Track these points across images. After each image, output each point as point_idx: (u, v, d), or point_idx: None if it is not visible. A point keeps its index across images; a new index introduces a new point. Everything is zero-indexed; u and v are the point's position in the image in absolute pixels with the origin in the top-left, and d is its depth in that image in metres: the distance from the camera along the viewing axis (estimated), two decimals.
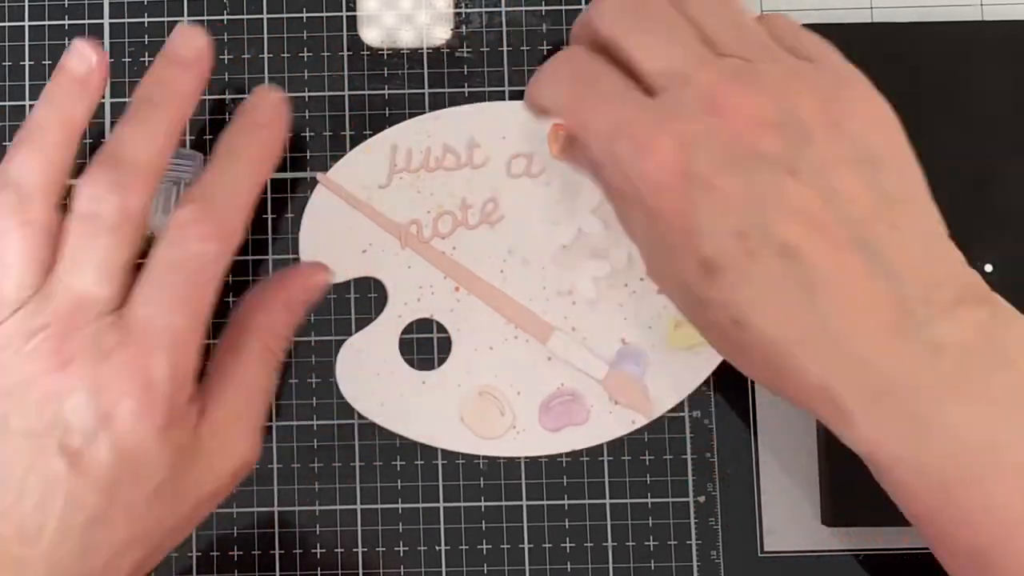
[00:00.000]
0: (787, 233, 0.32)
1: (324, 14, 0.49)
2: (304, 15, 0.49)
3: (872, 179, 0.33)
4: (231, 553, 0.46)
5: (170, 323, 0.35)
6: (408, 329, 0.47)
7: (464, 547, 0.46)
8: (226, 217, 0.37)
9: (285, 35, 0.49)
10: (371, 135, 0.48)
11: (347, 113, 0.49)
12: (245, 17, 0.49)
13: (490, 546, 0.46)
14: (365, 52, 0.49)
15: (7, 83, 0.49)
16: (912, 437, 0.32)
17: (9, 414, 0.34)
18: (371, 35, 0.49)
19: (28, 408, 0.34)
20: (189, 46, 0.39)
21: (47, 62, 0.49)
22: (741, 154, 0.33)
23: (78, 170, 0.49)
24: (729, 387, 0.47)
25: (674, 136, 0.33)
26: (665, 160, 0.33)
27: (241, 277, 0.47)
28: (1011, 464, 0.31)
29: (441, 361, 0.47)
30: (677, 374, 0.46)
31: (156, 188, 0.38)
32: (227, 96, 0.49)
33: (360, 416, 0.47)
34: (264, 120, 0.41)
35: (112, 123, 0.49)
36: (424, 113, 0.48)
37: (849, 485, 0.46)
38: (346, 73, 0.49)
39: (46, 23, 0.49)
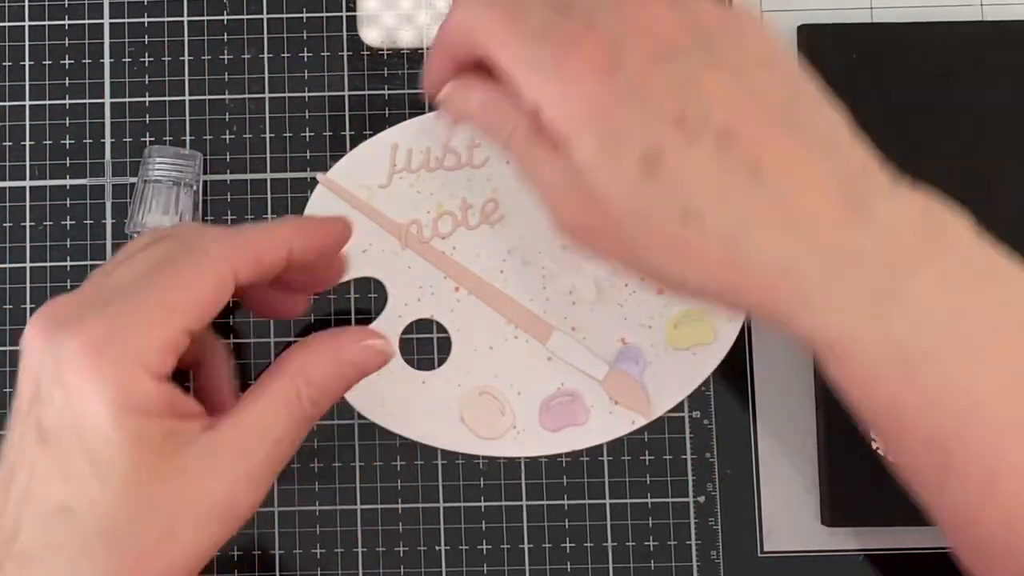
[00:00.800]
0: (723, 118, 0.32)
1: (324, 14, 0.49)
2: (304, 15, 0.49)
3: (782, 77, 0.34)
4: (231, 553, 0.46)
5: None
6: (408, 329, 0.47)
7: (464, 547, 0.46)
8: (256, 245, 0.37)
9: (285, 35, 0.49)
10: (371, 135, 0.48)
11: (347, 113, 0.49)
12: (245, 17, 0.49)
13: (490, 546, 0.46)
14: (365, 52, 0.49)
15: (7, 83, 0.49)
16: (874, 313, 0.32)
17: None
18: (371, 35, 0.49)
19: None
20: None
21: (47, 62, 0.49)
22: (663, 51, 0.33)
23: (78, 171, 0.49)
24: (729, 387, 0.47)
25: (598, 38, 0.33)
26: (592, 55, 0.33)
27: None
28: (972, 344, 0.31)
29: (441, 361, 0.47)
30: (677, 374, 0.46)
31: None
32: (227, 96, 0.49)
33: (360, 416, 0.47)
34: (331, 227, 0.41)
35: (112, 123, 0.49)
36: (424, 113, 0.48)
37: (849, 485, 0.46)
38: (346, 73, 0.49)
39: (46, 23, 0.49)
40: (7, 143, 0.49)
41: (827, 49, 0.48)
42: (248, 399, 0.36)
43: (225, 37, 0.49)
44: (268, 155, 0.48)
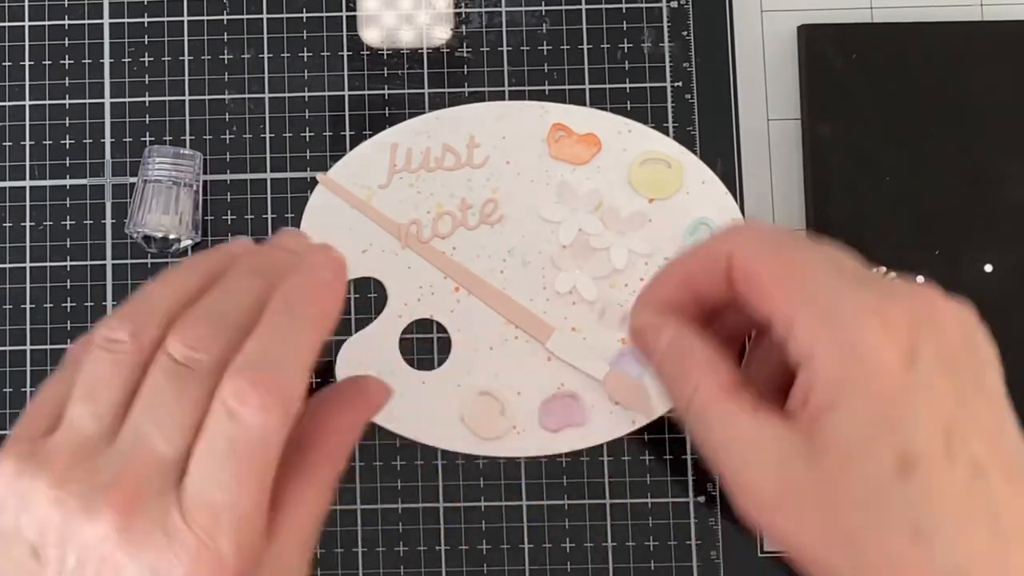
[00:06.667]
0: (978, 447, 0.30)
1: (324, 14, 0.49)
2: (304, 15, 0.49)
3: (1003, 416, 0.33)
4: None
5: (235, 503, 0.32)
6: (408, 329, 0.47)
7: (464, 547, 0.46)
8: (287, 384, 0.32)
9: (285, 35, 0.49)
10: (371, 135, 0.48)
11: (347, 113, 0.49)
12: (245, 17, 0.49)
13: (490, 546, 0.46)
14: (365, 52, 0.49)
15: (7, 83, 0.49)
16: None
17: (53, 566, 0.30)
18: (371, 35, 0.49)
19: (81, 569, 0.30)
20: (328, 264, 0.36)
21: (47, 62, 0.49)
22: (950, 358, 0.31)
23: (78, 171, 0.49)
24: None
25: (902, 316, 0.31)
26: (894, 334, 0.31)
27: None
28: None
29: (441, 361, 0.47)
30: None
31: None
32: (226, 96, 0.49)
33: None
34: (326, 278, 0.36)
35: (112, 123, 0.49)
36: (424, 113, 0.48)
37: None
38: (346, 73, 0.49)
39: (46, 23, 0.49)
40: (7, 143, 0.49)
41: (827, 49, 0.48)
42: (294, 489, 0.34)
43: (225, 37, 0.49)
44: (268, 155, 0.48)
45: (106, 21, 0.49)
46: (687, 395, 0.33)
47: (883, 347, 0.31)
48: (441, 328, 0.47)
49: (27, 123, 0.49)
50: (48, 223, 0.48)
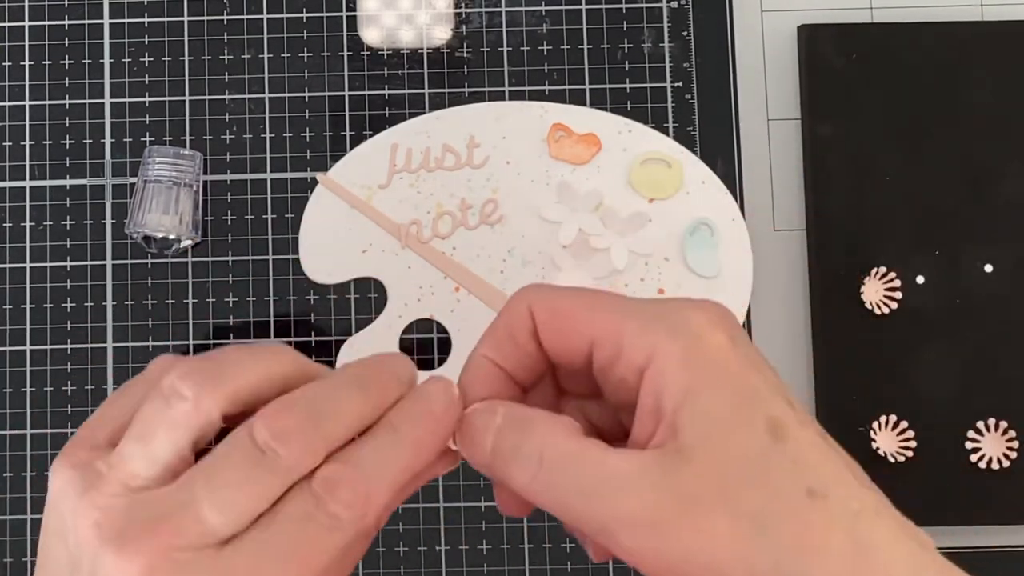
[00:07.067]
0: (802, 410, 0.32)
1: (324, 14, 0.49)
2: (304, 15, 0.49)
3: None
4: None
5: None
6: (408, 329, 0.47)
7: (464, 547, 0.46)
8: (375, 493, 0.31)
9: (285, 35, 0.49)
10: (371, 135, 0.48)
11: (347, 113, 0.49)
12: (245, 17, 0.49)
13: (490, 546, 0.46)
14: (365, 52, 0.49)
15: (7, 83, 0.49)
16: None
17: None
18: (371, 35, 0.49)
19: None
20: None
21: (47, 62, 0.49)
22: (746, 337, 0.33)
23: (78, 171, 0.49)
24: None
25: (713, 307, 0.32)
26: (712, 313, 0.32)
27: (241, 277, 0.47)
28: None
29: (441, 361, 0.47)
30: None
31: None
32: (227, 96, 0.49)
33: None
34: (440, 410, 0.34)
35: (112, 123, 0.49)
36: (424, 113, 0.48)
37: None
38: (346, 73, 0.49)
39: (46, 23, 0.49)
40: (7, 143, 0.49)
41: (827, 49, 0.48)
42: None
43: (225, 37, 0.49)
44: (268, 155, 0.48)
45: (106, 21, 0.49)
46: (536, 454, 0.31)
47: (715, 331, 0.32)
48: (441, 328, 0.47)
49: (27, 123, 0.49)
50: (48, 223, 0.48)
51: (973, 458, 0.46)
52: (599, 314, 0.32)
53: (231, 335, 0.47)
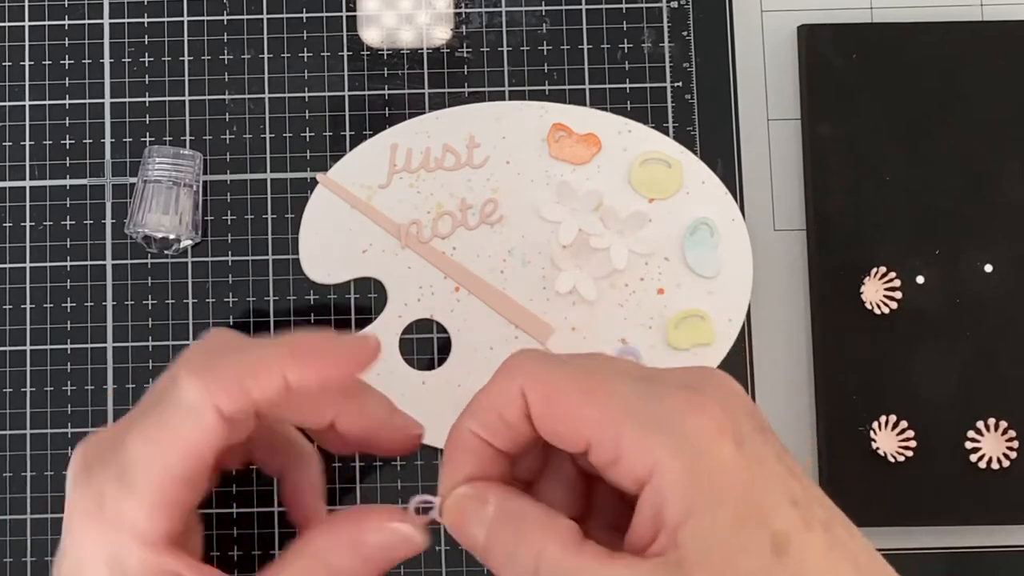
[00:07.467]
0: (816, 507, 0.31)
1: (324, 14, 0.49)
2: (304, 15, 0.49)
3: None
4: (231, 553, 0.46)
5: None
6: (408, 329, 0.47)
7: (464, 547, 0.46)
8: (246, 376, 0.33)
9: (285, 35, 0.49)
10: (371, 135, 0.48)
11: (347, 113, 0.49)
12: (245, 17, 0.49)
13: None
14: (365, 52, 0.49)
15: (7, 83, 0.49)
16: None
17: None
18: (371, 35, 0.49)
19: None
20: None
21: (47, 62, 0.49)
22: (760, 427, 0.32)
23: (78, 171, 0.49)
24: None
25: (714, 399, 0.31)
26: (715, 416, 0.31)
27: (241, 277, 0.47)
28: None
29: (441, 361, 0.47)
30: None
31: None
32: (227, 96, 0.49)
33: None
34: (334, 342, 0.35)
35: (112, 123, 0.49)
36: (424, 113, 0.48)
37: (849, 485, 0.46)
38: (346, 73, 0.49)
39: (46, 23, 0.49)
40: (7, 143, 0.49)
41: (827, 49, 0.48)
42: None
43: (225, 37, 0.49)
44: (268, 155, 0.48)
45: (106, 21, 0.49)
46: (532, 562, 0.31)
47: (718, 441, 0.30)
48: (441, 328, 0.47)
49: (27, 123, 0.49)
50: (48, 223, 0.48)
51: (973, 458, 0.46)
52: (596, 411, 0.31)
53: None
